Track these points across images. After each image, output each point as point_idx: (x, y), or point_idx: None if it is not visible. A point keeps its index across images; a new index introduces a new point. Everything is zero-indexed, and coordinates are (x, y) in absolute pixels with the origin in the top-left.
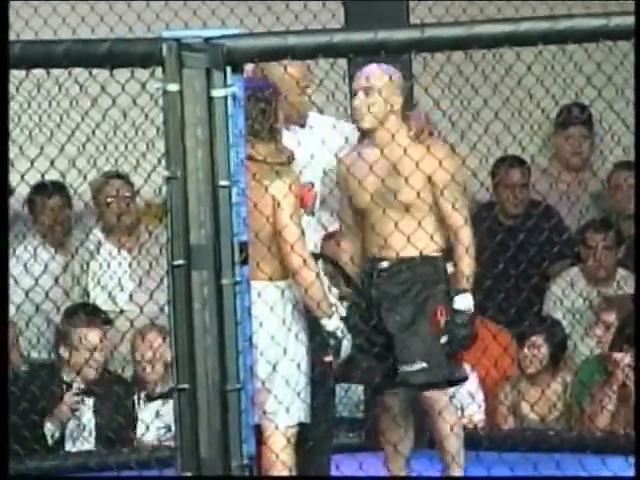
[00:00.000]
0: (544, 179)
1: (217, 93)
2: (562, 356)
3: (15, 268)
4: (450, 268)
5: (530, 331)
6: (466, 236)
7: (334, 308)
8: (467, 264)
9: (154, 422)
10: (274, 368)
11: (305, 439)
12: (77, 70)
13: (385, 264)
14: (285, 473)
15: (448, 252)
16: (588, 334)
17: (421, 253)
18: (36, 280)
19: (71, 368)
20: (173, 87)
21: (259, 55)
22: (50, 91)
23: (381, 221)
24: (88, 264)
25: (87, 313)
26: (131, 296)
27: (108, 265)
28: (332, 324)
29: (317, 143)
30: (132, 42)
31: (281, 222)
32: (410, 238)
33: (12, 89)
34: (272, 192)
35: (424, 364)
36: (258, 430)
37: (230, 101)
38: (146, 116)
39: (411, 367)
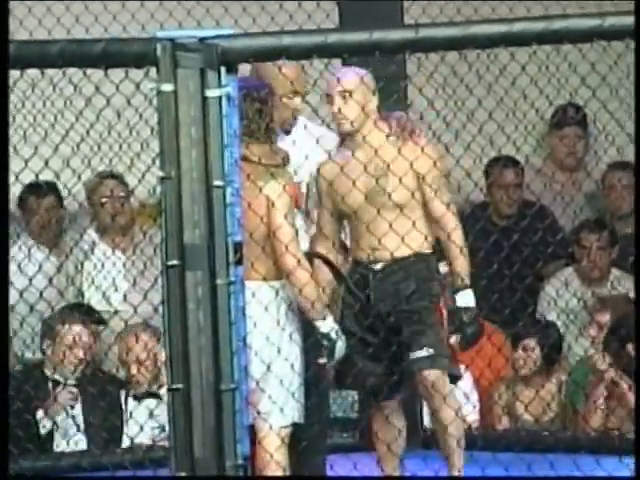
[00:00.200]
0: (538, 179)
1: (211, 93)
2: (557, 358)
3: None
4: (443, 268)
5: (523, 333)
6: (458, 234)
7: (327, 311)
8: (463, 261)
9: (148, 422)
10: (268, 368)
11: (299, 439)
12: (71, 70)
13: (379, 265)
14: (279, 473)
15: (440, 252)
16: (582, 334)
17: (414, 252)
18: (30, 280)
19: (56, 365)
20: (167, 87)
21: (253, 55)
22: (44, 91)
23: (372, 223)
24: (82, 264)
25: (72, 311)
26: (125, 296)
27: (102, 265)
28: (326, 325)
29: (307, 146)
30: (126, 42)
31: (275, 222)
32: (402, 237)
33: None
34: (266, 192)
35: (431, 350)
36: (252, 430)
37: (224, 101)
38: (140, 116)
39: (419, 353)
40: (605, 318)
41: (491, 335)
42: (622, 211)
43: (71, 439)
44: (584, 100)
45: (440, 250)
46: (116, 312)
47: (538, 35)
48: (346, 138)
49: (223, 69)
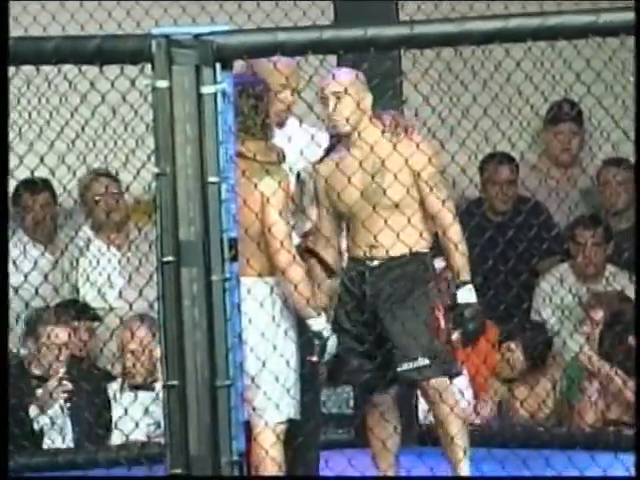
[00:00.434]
0: (533, 175)
1: (206, 90)
2: (542, 360)
3: None
4: (440, 263)
5: (506, 336)
6: (455, 231)
7: (319, 309)
8: (461, 257)
9: (143, 419)
10: (264, 364)
11: (294, 435)
12: (66, 67)
13: (376, 262)
14: (275, 469)
15: (437, 248)
16: (577, 331)
17: (410, 250)
18: (25, 276)
19: (37, 362)
20: (162, 84)
21: (248, 52)
22: (39, 87)
23: (368, 220)
24: (77, 261)
25: (52, 310)
26: (120, 293)
27: (97, 262)
28: (318, 324)
29: (301, 143)
30: (121, 39)
31: (270, 219)
32: (399, 235)
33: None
34: (261, 189)
35: (427, 361)
36: (248, 427)
37: (220, 98)
38: (135, 112)
39: (413, 364)
40: (599, 315)
41: (487, 331)
42: (617, 207)
43: (64, 435)
44: (579, 96)
45: (438, 246)
46: (111, 309)
47: (533, 31)
48: (342, 137)
49: (218, 66)
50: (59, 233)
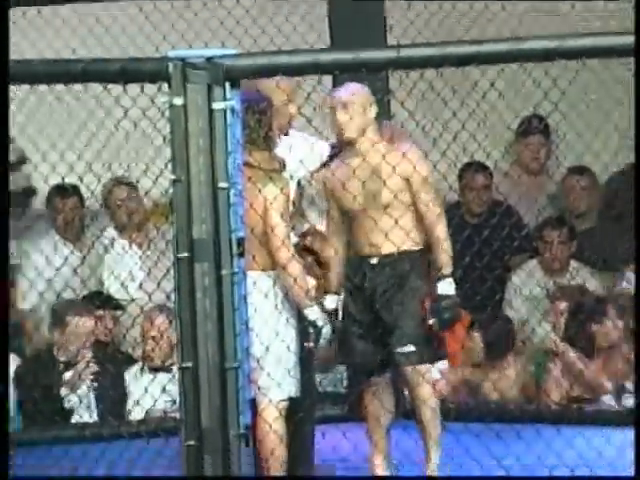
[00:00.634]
0: (506, 182)
1: (217, 106)
2: (507, 346)
3: (39, 260)
4: None
5: (471, 325)
6: (435, 224)
7: (314, 300)
8: (444, 252)
9: (161, 396)
10: (267, 349)
11: (294, 411)
12: (93, 85)
13: (374, 260)
14: (277, 441)
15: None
16: (545, 319)
17: (399, 248)
18: (57, 270)
19: (63, 349)
20: (178, 101)
21: (254, 72)
22: (70, 104)
23: (367, 222)
24: (103, 257)
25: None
26: (141, 285)
27: (121, 258)
28: (314, 313)
29: (302, 152)
30: (142, 61)
31: (272, 221)
32: (392, 235)
33: (36, 102)
34: (265, 194)
35: (412, 347)
36: (253, 404)
37: (229, 113)
38: (154, 126)
39: (402, 349)
40: (563, 305)
41: (462, 319)
42: (580, 210)
43: (91, 411)
44: (547, 112)
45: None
46: (133, 299)
47: (506, 54)
48: (346, 146)
49: (228, 85)
50: (86, 232)
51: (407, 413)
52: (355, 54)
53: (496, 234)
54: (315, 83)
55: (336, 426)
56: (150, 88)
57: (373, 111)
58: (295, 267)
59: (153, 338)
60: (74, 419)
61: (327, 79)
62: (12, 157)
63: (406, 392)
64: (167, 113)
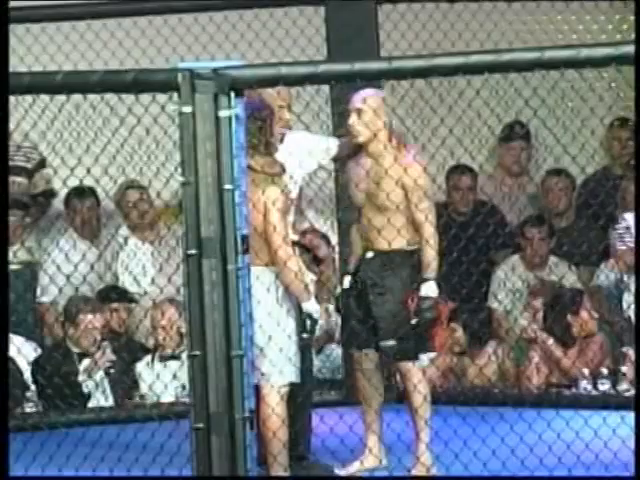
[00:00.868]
0: (490, 183)
1: (223, 114)
2: (487, 335)
3: (58, 257)
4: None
5: (451, 317)
6: (427, 233)
7: (311, 294)
8: (429, 256)
9: (172, 382)
10: (270, 338)
11: (295, 396)
12: (108, 95)
13: (369, 255)
14: (279, 423)
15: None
16: (526, 310)
17: (390, 245)
18: (75, 266)
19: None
20: (187, 109)
21: (257, 82)
22: (86, 112)
23: (367, 219)
24: (118, 254)
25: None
26: (153, 280)
27: (134, 255)
28: (310, 306)
29: (301, 154)
30: (153, 72)
31: (272, 221)
32: (387, 234)
33: (55, 111)
34: (266, 196)
35: (392, 342)
36: (257, 389)
37: (234, 120)
38: (165, 132)
39: (386, 343)
40: (538, 303)
41: (442, 312)
42: (558, 209)
43: (106, 396)
44: (527, 118)
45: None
46: (145, 293)
47: (489, 65)
48: (361, 148)
49: (232, 94)
50: (102, 231)
51: (399, 397)
52: (350, 65)
53: (481, 231)
54: (314, 92)
55: (334, 410)
56: (161, 97)
57: (383, 118)
58: (294, 264)
59: (164, 328)
60: (91, 403)
61: (325, 88)
62: (33, 161)
63: (398, 377)
64: (177, 120)
